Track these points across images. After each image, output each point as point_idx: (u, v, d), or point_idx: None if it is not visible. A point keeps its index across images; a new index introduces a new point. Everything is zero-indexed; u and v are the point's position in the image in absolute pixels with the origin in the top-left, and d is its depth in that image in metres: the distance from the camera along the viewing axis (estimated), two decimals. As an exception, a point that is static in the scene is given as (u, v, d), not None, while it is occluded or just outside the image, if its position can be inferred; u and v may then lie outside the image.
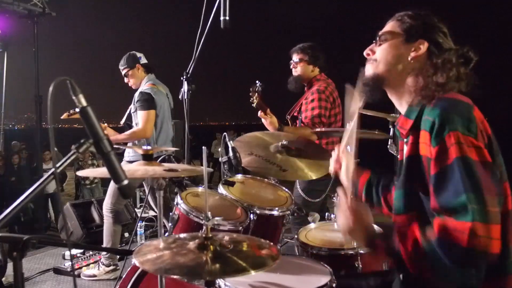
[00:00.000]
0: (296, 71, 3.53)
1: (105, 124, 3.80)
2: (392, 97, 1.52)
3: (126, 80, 3.91)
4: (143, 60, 3.88)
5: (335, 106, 3.43)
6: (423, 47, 1.42)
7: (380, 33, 1.52)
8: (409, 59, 1.44)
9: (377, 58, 1.49)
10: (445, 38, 1.44)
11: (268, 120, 3.19)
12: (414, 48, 1.44)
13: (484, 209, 1.15)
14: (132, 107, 3.81)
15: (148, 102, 3.66)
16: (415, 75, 1.42)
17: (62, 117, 3.28)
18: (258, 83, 3.15)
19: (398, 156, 1.59)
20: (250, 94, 3.15)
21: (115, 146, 1.18)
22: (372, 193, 1.80)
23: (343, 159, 1.73)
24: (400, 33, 1.47)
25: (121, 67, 3.90)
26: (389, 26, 1.51)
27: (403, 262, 1.26)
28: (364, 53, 1.55)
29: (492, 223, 1.14)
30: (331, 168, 1.83)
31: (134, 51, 3.90)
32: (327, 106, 3.35)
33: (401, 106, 1.49)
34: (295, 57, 3.51)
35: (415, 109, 1.40)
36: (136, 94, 3.74)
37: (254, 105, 3.17)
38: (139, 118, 3.66)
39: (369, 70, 1.51)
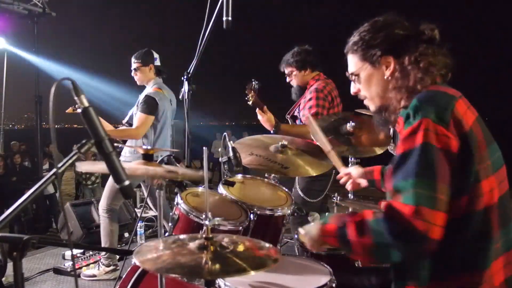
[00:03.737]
0: (293, 82, 3.59)
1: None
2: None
3: (133, 73, 3.85)
4: (157, 63, 3.85)
5: (333, 106, 3.43)
6: (390, 60, 1.41)
7: (348, 73, 1.53)
8: (385, 78, 1.43)
9: (366, 95, 1.51)
10: (399, 35, 1.41)
11: (265, 117, 3.21)
12: (385, 66, 1.43)
13: (433, 195, 1.18)
14: (135, 108, 3.78)
15: (151, 107, 3.63)
16: (398, 86, 1.42)
17: (67, 111, 3.29)
18: (254, 81, 3.16)
19: None
20: (246, 92, 3.16)
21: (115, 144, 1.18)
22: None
23: None
24: (363, 64, 1.46)
25: (133, 60, 3.82)
26: (350, 62, 1.51)
27: (348, 242, 1.29)
28: (352, 93, 1.58)
29: (437, 210, 1.17)
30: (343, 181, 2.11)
31: (152, 50, 3.85)
32: (325, 105, 3.35)
33: None
34: (286, 70, 3.57)
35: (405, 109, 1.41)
36: (141, 96, 3.72)
37: (250, 103, 3.18)
38: (137, 119, 3.64)
39: (371, 107, 1.53)
